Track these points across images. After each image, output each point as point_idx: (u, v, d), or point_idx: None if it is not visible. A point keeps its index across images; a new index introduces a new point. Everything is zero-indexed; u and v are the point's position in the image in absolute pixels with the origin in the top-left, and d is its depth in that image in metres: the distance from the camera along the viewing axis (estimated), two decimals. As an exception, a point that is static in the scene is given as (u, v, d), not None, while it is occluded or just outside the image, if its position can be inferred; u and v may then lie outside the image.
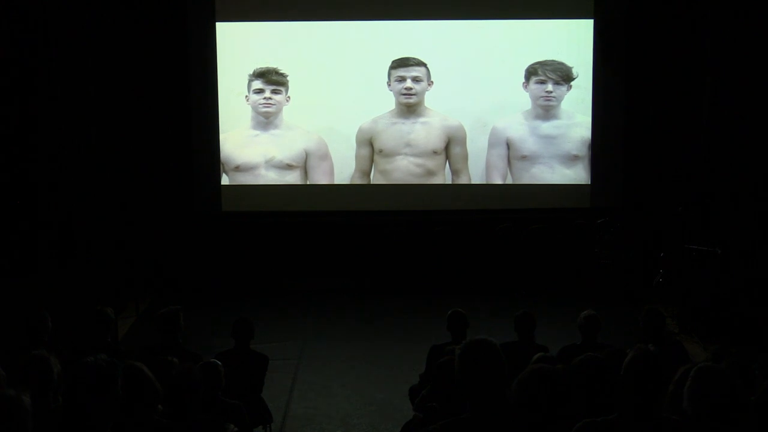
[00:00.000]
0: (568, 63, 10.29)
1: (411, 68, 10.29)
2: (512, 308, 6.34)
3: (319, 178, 10.50)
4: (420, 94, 10.33)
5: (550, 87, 10.27)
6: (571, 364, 3.94)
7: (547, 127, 10.38)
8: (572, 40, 10.30)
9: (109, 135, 9.86)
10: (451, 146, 10.42)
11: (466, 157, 10.42)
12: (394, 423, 6.14)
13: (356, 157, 10.46)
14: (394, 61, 10.32)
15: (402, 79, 10.28)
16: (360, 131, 10.42)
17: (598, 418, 3.14)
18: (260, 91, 10.35)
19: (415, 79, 10.28)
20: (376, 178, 10.52)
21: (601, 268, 9.99)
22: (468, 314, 6.05)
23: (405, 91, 10.30)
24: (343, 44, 10.40)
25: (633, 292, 9.48)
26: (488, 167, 10.45)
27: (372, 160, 10.49)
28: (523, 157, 10.42)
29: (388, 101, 10.38)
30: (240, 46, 10.38)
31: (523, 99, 10.35)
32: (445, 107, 10.41)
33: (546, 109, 10.33)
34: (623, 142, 10.34)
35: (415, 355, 6.90)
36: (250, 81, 10.37)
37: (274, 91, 10.34)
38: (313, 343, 8.49)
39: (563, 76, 10.29)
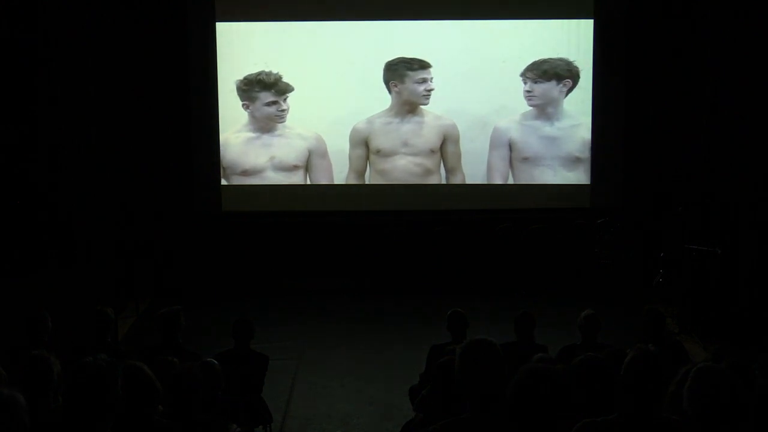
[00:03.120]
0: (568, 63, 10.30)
1: (429, 70, 10.31)
2: (512, 308, 6.35)
3: (320, 176, 10.50)
4: None
5: (528, 86, 10.28)
6: (571, 364, 3.93)
7: (549, 128, 10.38)
8: (572, 40, 10.30)
9: (109, 135, 9.86)
10: (446, 145, 10.42)
11: (460, 155, 10.42)
12: (394, 423, 6.14)
13: (350, 157, 10.45)
14: (409, 63, 10.30)
15: (424, 81, 10.30)
16: (354, 131, 10.41)
17: (598, 418, 3.13)
18: (273, 103, 10.33)
19: (431, 80, 10.33)
20: (374, 178, 10.52)
21: (601, 268, 9.99)
22: (468, 314, 6.05)
23: (426, 93, 10.33)
24: (342, 44, 10.39)
25: (633, 292, 9.48)
26: (489, 169, 10.45)
27: (367, 160, 10.49)
28: (525, 159, 10.42)
29: (385, 101, 10.38)
30: (240, 46, 10.38)
31: (522, 99, 10.36)
32: (444, 107, 10.40)
33: (538, 109, 10.33)
34: (623, 142, 10.35)
35: (415, 355, 6.90)
36: (252, 91, 10.33)
37: (285, 99, 10.34)
38: (313, 343, 8.49)
39: (542, 73, 10.26)
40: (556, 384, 3.05)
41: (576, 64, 10.29)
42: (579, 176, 10.47)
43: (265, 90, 10.32)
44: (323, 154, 10.45)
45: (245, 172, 10.49)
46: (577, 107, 10.36)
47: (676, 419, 3.13)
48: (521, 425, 3.00)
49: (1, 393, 2.82)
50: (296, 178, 10.49)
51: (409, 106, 10.37)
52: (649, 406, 3.08)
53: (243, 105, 10.35)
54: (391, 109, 10.39)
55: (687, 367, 3.46)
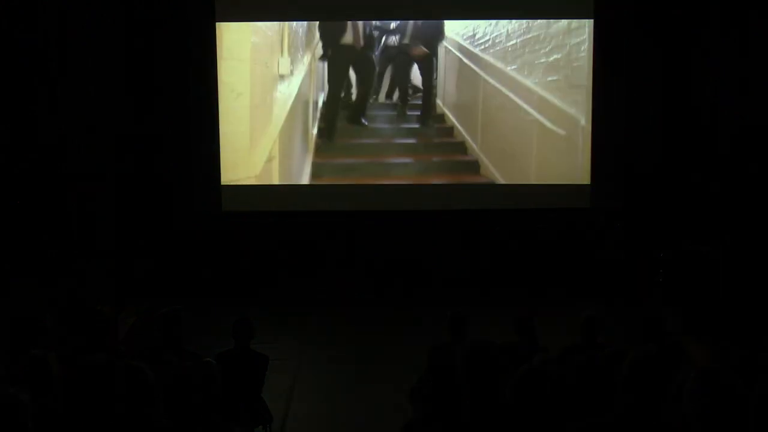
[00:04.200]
0: (568, 63, 10.27)
1: None
2: (512, 308, 6.34)
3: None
4: None
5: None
6: (571, 364, 3.94)
7: (547, 127, 10.39)
8: (572, 40, 10.30)
9: (109, 135, 9.86)
10: None
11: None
12: (394, 423, 6.12)
13: None
14: None
15: None
16: None
17: (598, 418, 3.13)
18: None
19: None
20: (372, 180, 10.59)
21: (602, 268, 9.99)
22: (468, 314, 6.05)
23: None
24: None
25: (633, 292, 9.48)
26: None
27: None
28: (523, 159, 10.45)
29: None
30: (240, 46, 10.37)
31: (522, 99, 10.37)
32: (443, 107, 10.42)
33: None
34: (623, 142, 10.34)
35: (415, 355, 6.88)
36: None
37: None
38: (313, 343, 8.49)
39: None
40: (556, 384, 3.06)
41: (576, 63, 10.31)
42: (579, 176, 10.47)
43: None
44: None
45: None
46: (578, 107, 10.36)
47: (676, 419, 3.12)
48: (521, 425, 3.00)
49: (6, 393, 2.83)
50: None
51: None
52: (649, 407, 3.08)
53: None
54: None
55: (687, 368, 3.46)
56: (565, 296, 9.45)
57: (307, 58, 10.35)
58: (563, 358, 5.20)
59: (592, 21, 10.24)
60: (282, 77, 10.34)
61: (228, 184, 10.54)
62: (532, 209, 10.42)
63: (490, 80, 10.35)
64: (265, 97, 10.37)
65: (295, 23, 10.29)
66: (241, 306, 8.68)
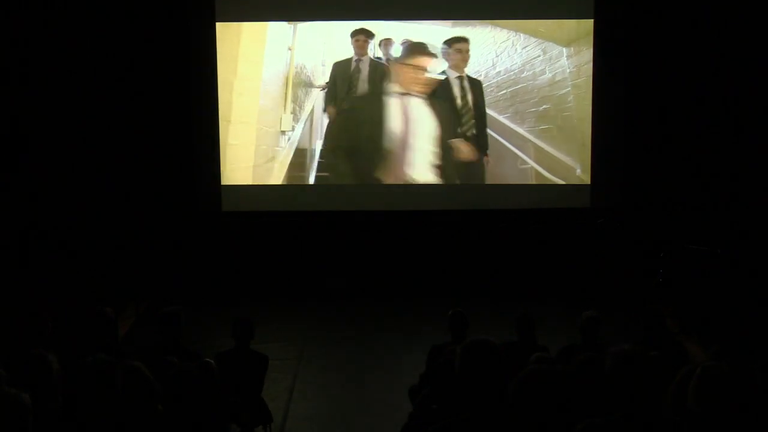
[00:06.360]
0: (568, 63, 10.28)
1: None
2: (513, 309, 6.35)
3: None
4: None
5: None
6: (571, 364, 3.94)
7: (547, 127, 10.40)
8: (572, 40, 10.30)
9: (109, 135, 9.86)
10: None
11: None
12: (394, 423, 6.13)
13: None
14: None
15: None
16: None
17: (599, 419, 3.13)
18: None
19: None
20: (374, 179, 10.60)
21: (601, 268, 9.99)
22: (468, 314, 6.05)
23: None
24: (344, 43, 10.39)
25: (633, 292, 9.48)
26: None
27: None
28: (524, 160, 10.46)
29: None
30: (240, 46, 10.38)
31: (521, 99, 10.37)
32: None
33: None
34: (623, 142, 10.34)
35: (414, 355, 6.90)
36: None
37: None
38: (313, 343, 8.50)
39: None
40: (556, 384, 3.05)
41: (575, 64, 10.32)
42: (579, 176, 10.47)
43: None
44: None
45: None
46: (577, 106, 10.36)
47: (677, 419, 3.12)
48: (521, 425, 3.00)
49: (7, 393, 2.83)
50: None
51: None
52: (646, 407, 3.07)
53: None
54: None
55: (687, 367, 3.46)
56: (565, 296, 9.45)
57: (307, 109, 10.36)
58: (563, 358, 5.21)
59: (592, 21, 10.22)
60: (284, 133, 10.35)
61: (228, 184, 10.54)
62: (533, 209, 10.42)
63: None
64: (268, 154, 10.36)
65: (300, 78, 10.31)
66: (241, 306, 8.71)
